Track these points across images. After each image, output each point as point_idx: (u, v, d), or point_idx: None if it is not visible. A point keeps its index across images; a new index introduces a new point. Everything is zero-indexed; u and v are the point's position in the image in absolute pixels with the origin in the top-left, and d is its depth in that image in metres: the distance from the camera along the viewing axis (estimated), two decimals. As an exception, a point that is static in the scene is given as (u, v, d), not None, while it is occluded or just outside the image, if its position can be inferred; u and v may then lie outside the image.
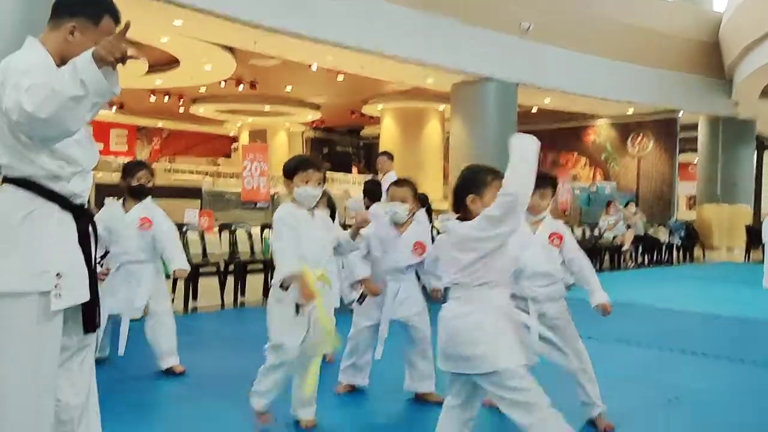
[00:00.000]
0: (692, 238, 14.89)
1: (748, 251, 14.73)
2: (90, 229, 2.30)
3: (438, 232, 8.38)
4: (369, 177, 8.09)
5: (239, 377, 4.08)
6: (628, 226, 12.67)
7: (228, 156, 24.53)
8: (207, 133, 25.13)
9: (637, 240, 12.70)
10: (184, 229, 7.08)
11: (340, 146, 25.08)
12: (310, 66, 13.38)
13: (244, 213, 11.17)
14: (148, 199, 4.25)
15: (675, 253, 14.15)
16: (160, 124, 23.91)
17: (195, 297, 6.77)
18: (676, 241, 14.09)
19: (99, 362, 3.94)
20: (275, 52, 12.11)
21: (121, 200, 4.28)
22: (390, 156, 7.76)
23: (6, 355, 2.20)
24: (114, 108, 20.58)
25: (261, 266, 7.62)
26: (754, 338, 5.99)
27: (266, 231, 7.91)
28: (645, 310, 7.12)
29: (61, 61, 2.10)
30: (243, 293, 7.26)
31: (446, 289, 2.55)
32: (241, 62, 14.11)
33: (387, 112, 18.39)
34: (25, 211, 2.16)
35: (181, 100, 19.19)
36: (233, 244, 7.53)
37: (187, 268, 4.27)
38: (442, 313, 2.44)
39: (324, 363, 3.10)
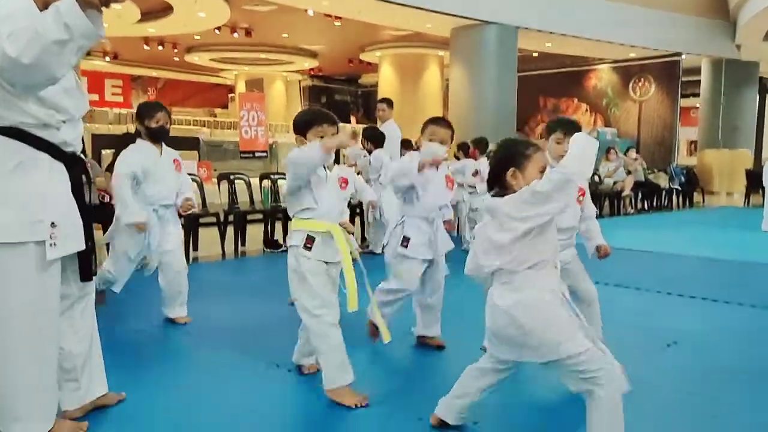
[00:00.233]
0: (692, 183, 14.86)
1: (747, 196, 14.72)
2: (84, 178, 2.27)
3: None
4: (367, 126, 7.99)
5: (241, 326, 4.13)
6: (629, 172, 12.62)
7: (225, 107, 24.30)
8: (203, 82, 24.84)
9: (637, 186, 12.67)
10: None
11: (339, 95, 24.80)
12: (306, 11, 13.10)
13: (243, 163, 11.10)
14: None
15: (675, 198, 14.15)
16: (155, 73, 23.58)
17: (195, 247, 6.79)
18: (676, 186, 14.06)
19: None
20: (270, -4, 11.86)
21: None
22: (390, 103, 7.66)
23: (7, 305, 2.21)
24: (107, 58, 20.27)
25: (260, 216, 7.62)
26: (753, 281, 6.02)
27: (265, 181, 7.88)
28: (644, 256, 7.14)
29: (44, 6, 2.03)
30: (243, 243, 7.28)
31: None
32: (236, 8, 13.81)
33: (385, 59, 18.12)
34: (15, 160, 2.13)
35: (176, 48, 18.88)
36: (232, 194, 7.51)
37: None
38: (492, 299, 2.32)
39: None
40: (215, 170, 10.22)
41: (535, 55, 16.70)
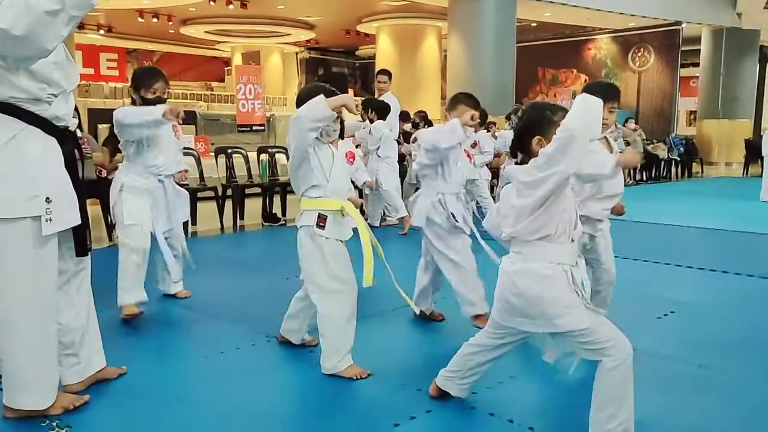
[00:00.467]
0: (691, 153, 14.83)
1: (746, 166, 14.70)
2: (76, 153, 2.26)
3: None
4: (368, 97, 7.94)
5: (240, 300, 4.15)
6: (627, 143, 12.56)
7: (222, 80, 24.09)
8: (199, 55, 24.60)
9: (636, 157, 12.63)
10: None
11: (336, 67, 24.58)
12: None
13: (240, 136, 11.05)
14: None
15: (674, 169, 14.12)
16: (150, 46, 23.35)
17: (194, 222, 6.79)
18: (675, 156, 14.03)
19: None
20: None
21: None
22: (389, 75, 7.58)
23: (5, 281, 2.21)
24: (102, 31, 20.05)
25: (258, 190, 7.61)
26: (751, 251, 6.04)
27: (263, 154, 7.85)
28: (642, 226, 7.15)
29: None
30: (242, 217, 7.28)
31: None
32: (231, -21, 13.63)
33: (383, 30, 17.93)
34: (8, 135, 2.12)
35: (171, 21, 18.66)
36: (230, 168, 7.49)
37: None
38: (504, 265, 2.30)
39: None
40: (212, 144, 10.17)
41: (533, 25, 16.53)
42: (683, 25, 16.74)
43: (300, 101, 2.88)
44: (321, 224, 2.83)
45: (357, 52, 24.07)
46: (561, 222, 2.19)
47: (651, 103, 17.82)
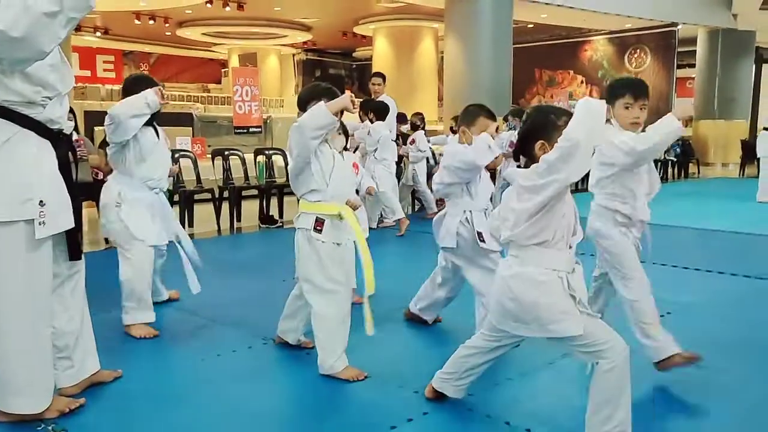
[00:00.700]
0: (688, 154, 14.85)
1: (743, 166, 14.71)
2: (71, 156, 2.25)
3: (432, 153, 8.32)
4: (364, 99, 7.92)
5: (237, 302, 4.14)
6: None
7: (218, 82, 24.06)
8: (196, 57, 24.59)
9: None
10: (176, 156, 6.99)
11: (333, 69, 24.57)
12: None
13: (237, 138, 11.04)
14: None
15: (670, 169, 14.14)
16: (147, 48, 23.32)
17: (191, 224, 6.78)
18: (672, 157, 14.05)
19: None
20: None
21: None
22: (384, 77, 7.58)
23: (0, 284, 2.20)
24: (98, 33, 20.02)
25: (255, 192, 7.59)
26: (747, 252, 6.04)
27: (260, 156, 7.84)
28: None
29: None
30: (239, 219, 7.27)
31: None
32: (227, -19, 13.62)
33: (380, 32, 17.94)
34: (1, 139, 2.11)
35: (167, 23, 18.64)
36: (227, 170, 7.47)
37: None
38: (501, 270, 2.30)
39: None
40: (209, 146, 10.16)
41: (530, 26, 16.55)
42: (679, 27, 16.77)
43: (301, 102, 2.88)
44: (318, 228, 2.84)
45: (354, 54, 24.09)
46: (560, 228, 2.19)
47: (648, 104, 17.80)
